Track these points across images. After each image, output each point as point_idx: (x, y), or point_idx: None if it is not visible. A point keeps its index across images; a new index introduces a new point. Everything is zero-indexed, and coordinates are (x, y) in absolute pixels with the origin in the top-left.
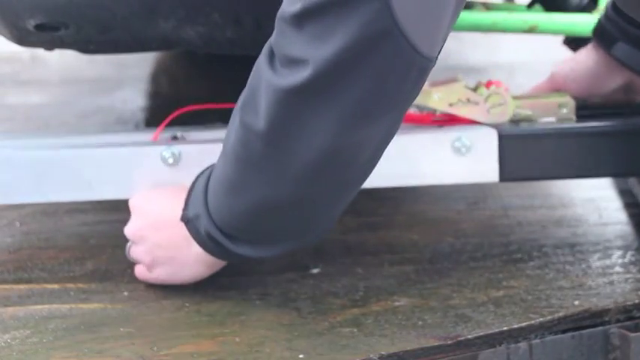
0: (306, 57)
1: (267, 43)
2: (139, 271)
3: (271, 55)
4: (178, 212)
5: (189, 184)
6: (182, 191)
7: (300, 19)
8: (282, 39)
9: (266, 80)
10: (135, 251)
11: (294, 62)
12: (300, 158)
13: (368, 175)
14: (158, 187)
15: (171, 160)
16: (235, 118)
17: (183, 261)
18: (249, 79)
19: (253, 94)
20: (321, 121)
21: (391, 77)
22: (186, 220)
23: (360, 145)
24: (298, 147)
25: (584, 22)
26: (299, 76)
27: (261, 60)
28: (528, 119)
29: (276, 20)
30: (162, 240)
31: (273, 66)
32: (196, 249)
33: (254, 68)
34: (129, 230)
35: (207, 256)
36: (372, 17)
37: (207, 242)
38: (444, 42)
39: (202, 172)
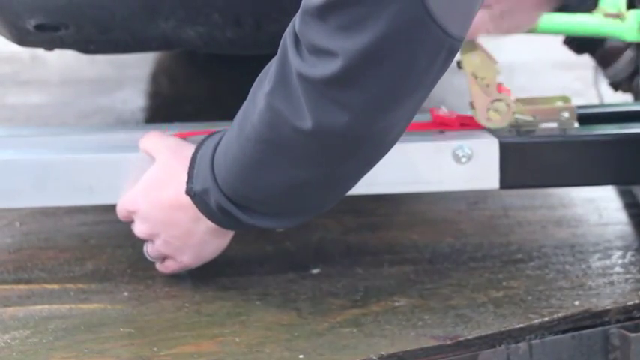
0: (334, 49)
1: (290, 25)
2: (165, 266)
3: (297, 42)
4: (178, 199)
5: (168, 168)
6: (172, 178)
7: (324, 11)
8: (306, 29)
9: (296, 69)
10: (154, 249)
11: (322, 52)
12: (334, 144)
13: (389, 150)
14: (143, 183)
15: None
16: (259, 100)
17: (199, 241)
18: (276, 61)
19: (284, 80)
20: (354, 107)
21: (421, 61)
22: (192, 193)
23: (390, 126)
24: (333, 135)
25: (584, 22)
26: (329, 67)
27: (287, 45)
28: (529, 125)
29: (299, 11)
30: (174, 230)
31: (300, 53)
32: (205, 226)
33: (279, 50)
34: (139, 232)
35: (218, 229)
36: (403, 7)
37: (217, 214)
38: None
39: (203, 143)
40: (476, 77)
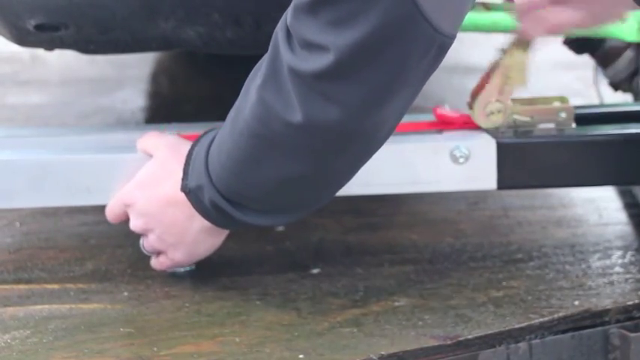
0: (325, 43)
1: (282, 19)
2: (159, 262)
3: (289, 36)
4: (174, 195)
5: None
6: (169, 174)
7: (315, 6)
8: (297, 23)
9: (287, 63)
10: (148, 244)
11: (313, 47)
12: (325, 139)
13: (380, 146)
14: (140, 178)
15: None
16: (251, 93)
17: (192, 239)
18: (268, 55)
19: (275, 74)
20: (344, 102)
21: (412, 57)
22: (187, 190)
23: (381, 121)
24: (323, 129)
25: None
26: (320, 61)
27: (279, 39)
28: (527, 125)
29: (291, 5)
30: (168, 227)
31: (291, 47)
32: (199, 223)
33: (271, 43)
34: (134, 226)
35: (213, 227)
36: (392, 3)
37: (211, 212)
38: (465, 16)
39: (198, 141)
40: (505, 73)
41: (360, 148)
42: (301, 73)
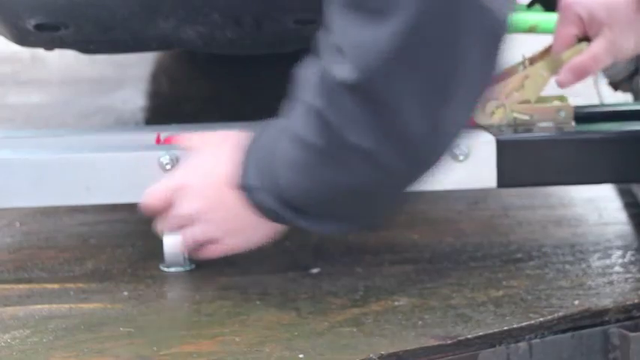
0: (370, 38)
1: (324, 31)
2: (210, 250)
3: (332, 46)
4: (231, 180)
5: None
6: (223, 161)
7: (354, 2)
8: (340, 26)
9: (339, 79)
10: (198, 232)
11: (349, 48)
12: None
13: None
14: (191, 164)
15: (169, 166)
16: (311, 114)
17: (251, 226)
18: (316, 71)
19: (331, 95)
20: (409, 102)
21: (464, 44)
22: (243, 188)
23: (444, 124)
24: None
25: None
26: (368, 59)
27: (324, 53)
28: (526, 124)
29: (331, 10)
30: (224, 211)
31: (335, 58)
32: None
33: (317, 61)
34: (186, 209)
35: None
36: None
37: (267, 212)
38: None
39: (257, 139)
40: (522, 82)
41: (423, 163)
42: (351, 84)
